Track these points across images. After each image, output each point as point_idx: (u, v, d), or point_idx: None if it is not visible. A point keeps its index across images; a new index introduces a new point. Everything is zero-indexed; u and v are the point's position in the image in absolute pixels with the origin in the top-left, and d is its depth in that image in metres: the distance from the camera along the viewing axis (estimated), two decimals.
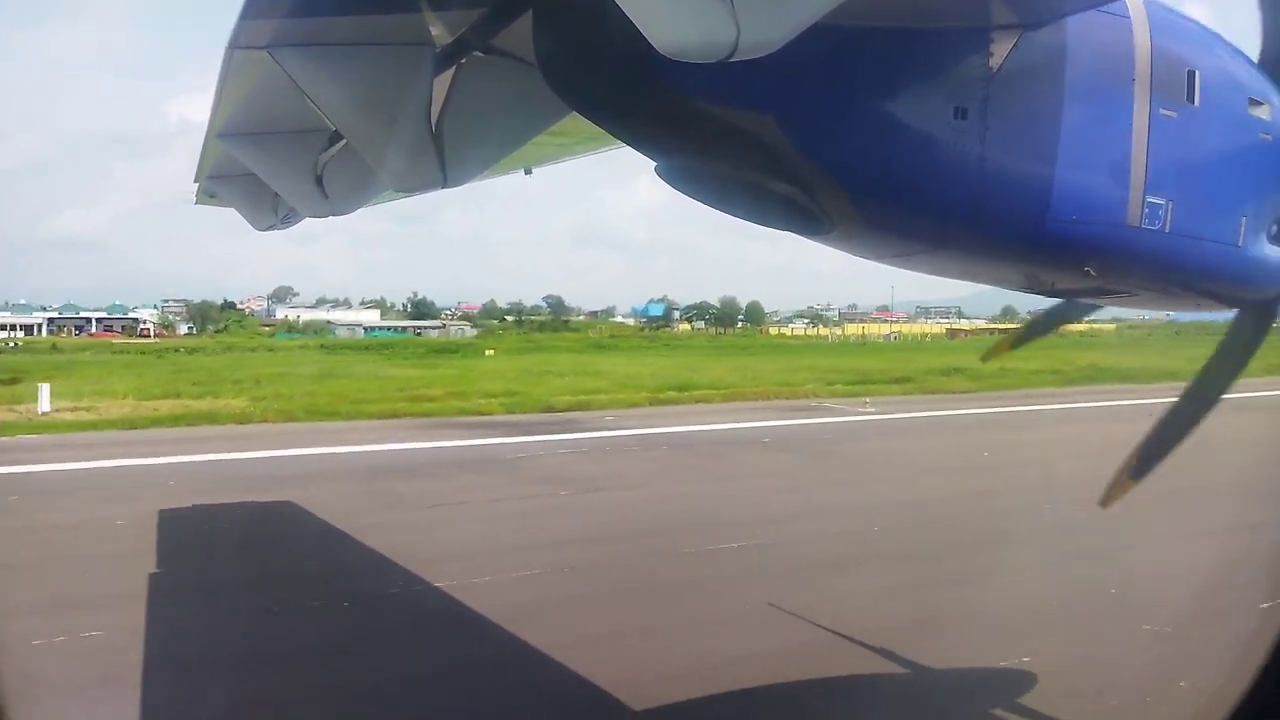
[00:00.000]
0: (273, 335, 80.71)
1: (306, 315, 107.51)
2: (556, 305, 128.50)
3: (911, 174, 3.77)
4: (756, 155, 3.65)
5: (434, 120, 4.62)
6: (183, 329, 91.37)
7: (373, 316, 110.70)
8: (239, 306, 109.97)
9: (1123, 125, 3.92)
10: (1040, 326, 6.50)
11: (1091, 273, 4.12)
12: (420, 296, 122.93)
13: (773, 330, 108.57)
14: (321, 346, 69.11)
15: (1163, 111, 3.95)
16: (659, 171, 3.95)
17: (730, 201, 3.95)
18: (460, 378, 40.42)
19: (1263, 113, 4.34)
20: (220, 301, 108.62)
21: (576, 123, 4.57)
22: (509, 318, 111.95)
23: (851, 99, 3.63)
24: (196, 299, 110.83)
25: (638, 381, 36.59)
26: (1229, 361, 5.07)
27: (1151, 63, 3.95)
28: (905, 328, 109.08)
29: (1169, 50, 4.03)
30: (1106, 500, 5.27)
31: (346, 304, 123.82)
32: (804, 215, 3.83)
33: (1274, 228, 4.53)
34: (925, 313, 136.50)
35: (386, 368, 47.89)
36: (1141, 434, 5.15)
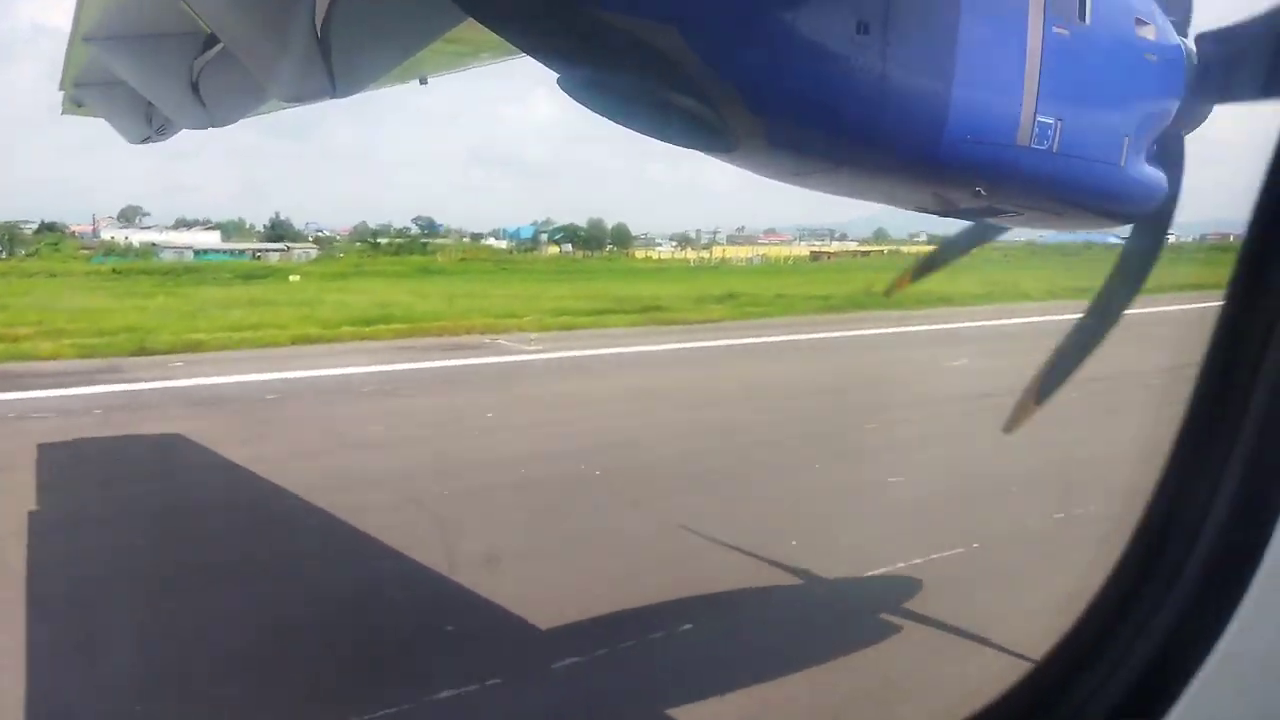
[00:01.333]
0: (90, 259, 75.29)
1: (138, 237, 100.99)
2: (427, 226, 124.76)
3: (814, 90, 3.75)
4: (660, 68, 3.58)
5: (319, 24, 4.37)
6: None
7: (212, 239, 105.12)
8: (66, 229, 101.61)
9: (1018, 43, 3.96)
10: (941, 256, 6.45)
11: (982, 192, 4.22)
12: (283, 218, 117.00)
13: (639, 253, 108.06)
14: (114, 271, 60.64)
15: (1055, 29, 4.01)
16: (560, 83, 3.83)
17: (634, 116, 3.87)
18: (121, 310, 31.52)
19: (1148, 33, 4.46)
20: (38, 222, 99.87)
21: (474, 31, 4.39)
22: (376, 240, 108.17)
23: (755, 11, 3.57)
24: (50, 219, 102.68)
25: (341, 316, 30.51)
26: (1127, 280, 5.16)
27: None
28: (772, 250, 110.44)
29: None
30: (1010, 426, 5.29)
31: (205, 225, 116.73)
32: (708, 131, 3.78)
33: (1153, 147, 4.71)
34: (808, 235, 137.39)
35: (103, 299, 36.32)
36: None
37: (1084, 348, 5.16)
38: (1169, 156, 4.75)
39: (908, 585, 7.87)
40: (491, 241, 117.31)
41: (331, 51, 4.40)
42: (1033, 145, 4.07)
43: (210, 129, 7.62)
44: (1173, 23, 4.70)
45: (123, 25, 6.74)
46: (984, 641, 6.65)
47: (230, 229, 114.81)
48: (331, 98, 4.84)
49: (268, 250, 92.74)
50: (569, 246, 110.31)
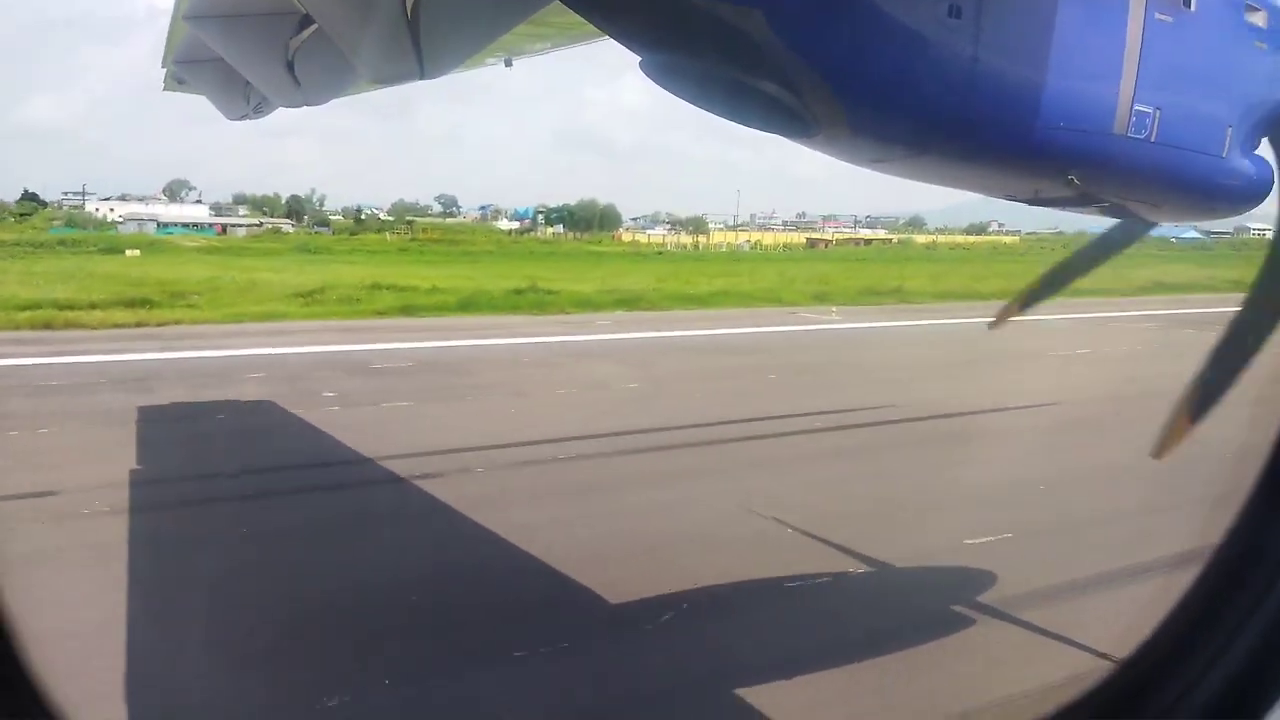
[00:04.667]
0: (48, 230, 76.24)
1: (122, 209, 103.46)
2: (449, 204, 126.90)
3: (902, 74, 3.68)
4: (743, 52, 3.56)
5: (409, 7, 4.45)
6: None
7: (200, 212, 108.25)
8: (41, 198, 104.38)
9: (1116, 30, 3.84)
10: (1051, 282, 5.92)
11: (1075, 181, 4.10)
12: (311, 195, 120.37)
13: (625, 236, 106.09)
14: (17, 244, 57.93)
15: (1158, 16, 3.87)
16: (643, 67, 3.84)
17: (716, 99, 3.86)
18: None
19: (1258, 19, 4.26)
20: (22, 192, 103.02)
21: (559, 14, 4.42)
22: (359, 218, 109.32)
23: None
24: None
25: None
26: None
27: None
28: (769, 237, 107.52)
29: None
30: (1161, 451, 4.59)
31: (224, 206, 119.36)
32: (789, 116, 3.75)
33: (1259, 139, 4.51)
34: (873, 223, 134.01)
35: None
36: None
37: (1240, 358, 4.59)
38: None
39: None
40: (503, 223, 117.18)
41: (420, 34, 4.47)
42: (1129, 134, 3.94)
43: (304, 107, 7.85)
44: None
45: (222, 5, 6.97)
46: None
47: (258, 203, 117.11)
48: (419, 79, 4.93)
49: (238, 224, 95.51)
50: (560, 227, 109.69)
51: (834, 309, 29.45)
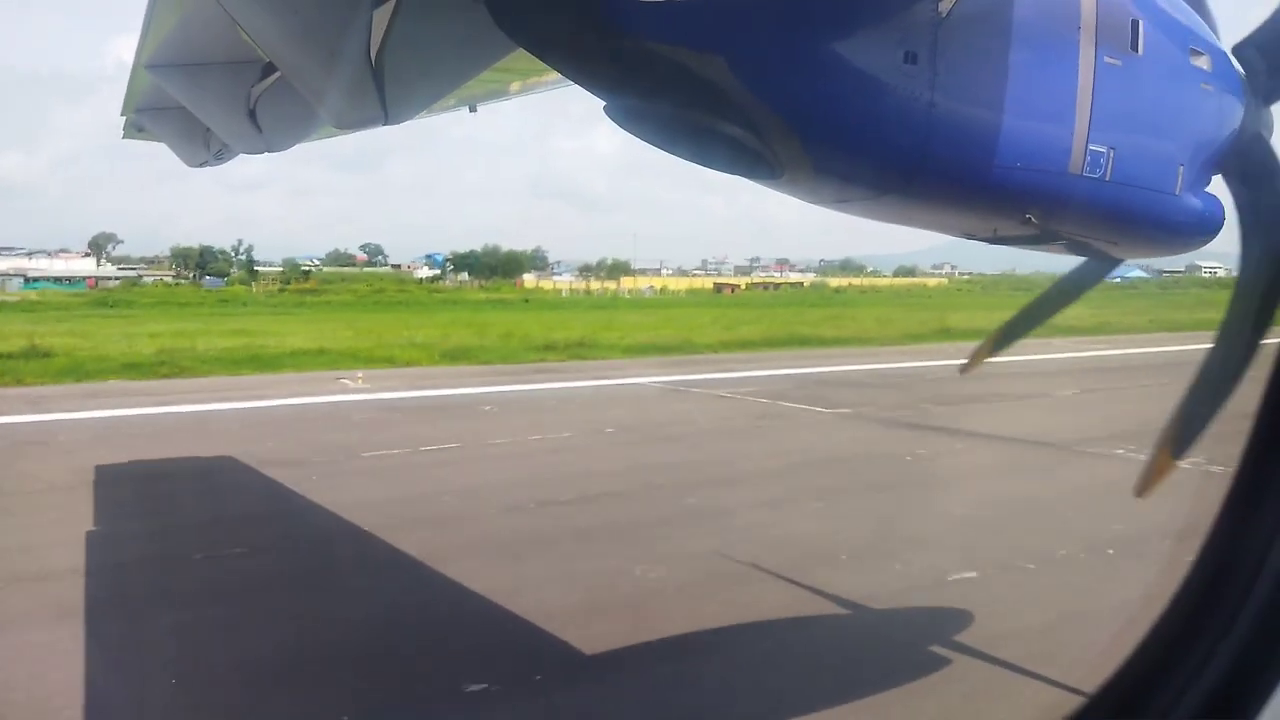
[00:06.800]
0: None
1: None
2: (374, 253, 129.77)
3: (861, 118, 3.74)
4: (706, 96, 3.59)
5: (373, 53, 4.46)
6: None
7: (86, 266, 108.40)
8: None
9: (1068, 72, 3.94)
10: (1024, 321, 5.85)
11: (1032, 220, 4.18)
12: (238, 245, 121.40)
13: (529, 283, 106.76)
14: None
15: (1107, 59, 3.98)
16: (608, 111, 3.87)
17: (680, 143, 3.89)
18: None
19: (1203, 63, 4.41)
20: None
21: (525, 59, 4.45)
22: (253, 269, 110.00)
23: (803, 40, 3.59)
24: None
25: None
26: (1249, 310, 4.48)
27: (1097, 9, 3.98)
28: (675, 282, 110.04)
29: None
30: (1143, 488, 4.45)
31: (83, 254, 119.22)
32: (753, 159, 3.79)
33: (1209, 177, 4.64)
34: (823, 268, 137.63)
35: None
36: None
37: (1221, 391, 4.41)
38: (1261, 167, 4.61)
39: None
40: (423, 271, 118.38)
41: (384, 80, 4.48)
42: (1085, 173, 4.03)
43: (266, 154, 7.81)
44: None
45: (183, 53, 6.95)
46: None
47: (179, 255, 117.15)
48: (383, 124, 4.93)
49: (109, 277, 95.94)
50: (465, 275, 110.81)
51: (360, 375, 24.04)
